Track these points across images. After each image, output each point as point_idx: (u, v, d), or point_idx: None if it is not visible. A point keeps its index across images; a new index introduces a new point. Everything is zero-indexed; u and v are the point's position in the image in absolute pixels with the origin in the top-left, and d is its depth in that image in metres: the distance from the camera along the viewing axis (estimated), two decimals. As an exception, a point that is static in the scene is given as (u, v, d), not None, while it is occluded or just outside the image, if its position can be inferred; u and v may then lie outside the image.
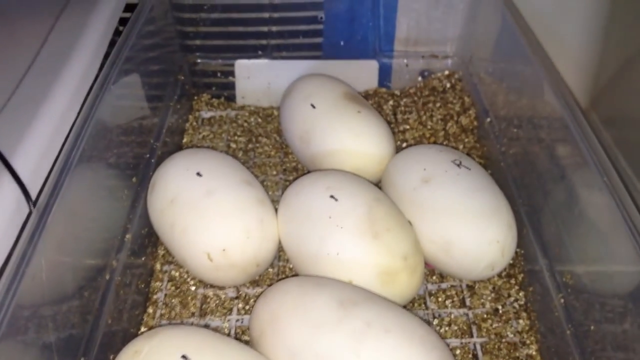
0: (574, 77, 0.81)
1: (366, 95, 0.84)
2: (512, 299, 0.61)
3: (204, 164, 0.62)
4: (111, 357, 0.52)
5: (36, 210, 0.47)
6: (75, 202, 0.52)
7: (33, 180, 0.50)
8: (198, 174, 0.60)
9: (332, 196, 0.58)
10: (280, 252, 0.64)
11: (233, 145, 0.78)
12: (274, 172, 0.74)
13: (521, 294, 0.61)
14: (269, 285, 0.61)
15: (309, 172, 0.73)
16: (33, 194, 0.49)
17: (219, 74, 0.85)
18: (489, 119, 0.75)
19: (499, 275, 0.62)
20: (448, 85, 0.84)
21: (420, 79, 0.86)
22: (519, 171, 0.67)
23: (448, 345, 0.57)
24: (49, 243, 0.47)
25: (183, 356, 0.46)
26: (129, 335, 0.57)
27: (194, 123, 0.81)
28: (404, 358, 0.46)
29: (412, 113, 0.80)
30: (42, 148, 0.53)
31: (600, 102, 0.79)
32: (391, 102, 0.82)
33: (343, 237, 0.56)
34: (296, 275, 0.62)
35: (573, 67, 0.81)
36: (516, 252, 0.62)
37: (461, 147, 0.76)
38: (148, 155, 0.68)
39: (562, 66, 0.76)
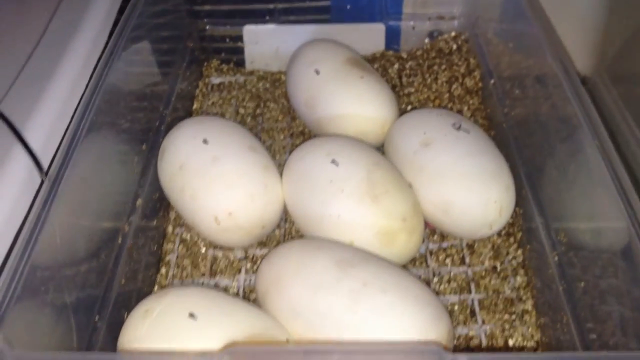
0: (583, 36, 0.81)
1: (373, 59, 0.85)
2: (510, 256, 0.62)
3: (211, 132, 0.64)
4: (125, 315, 0.55)
5: (47, 180, 0.50)
6: (87, 170, 0.55)
7: (44, 151, 0.53)
8: (204, 141, 0.62)
9: (333, 161, 0.60)
10: (286, 215, 0.66)
11: (242, 111, 0.80)
12: (281, 137, 0.76)
13: (519, 251, 0.63)
14: (276, 246, 0.64)
15: (314, 136, 0.75)
16: (44, 164, 0.52)
17: (227, 40, 0.87)
18: (493, 81, 0.76)
19: (499, 234, 0.64)
20: (454, 46, 0.84)
21: (427, 40, 0.87)
22: (520, 133, 0.68)
23: (446, 301, 0.59)
24: (62, 210, 0.49)
25: (190, 314, 0.48)
26: (142, 294, 0.60)
27: (204, 89, 0.83)
28: (398, 315, 0.49)
29: (417, 76, 0.81)
30: (52, 118, 0.56)
31: (609, 60, 0.80)
32: (397, 65, 0.83)
33: (343, 200, 0.58)
34: (301, 236, 0.64)
35: (582, 26, 0.81)
36: (515, 211, 0.64)
37: (465, 108, 0.77)
38: (158, 123, 0.70)
39: (571, 26, 0.77)
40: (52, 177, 0.50)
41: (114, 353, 0.38)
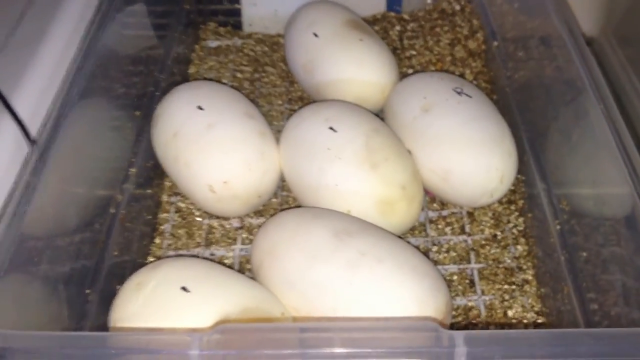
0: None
1: (373, 20, 0.83)
2: (511, 225, 0.61)
3: (206, 98, 0.62)
4: (118, 287, 0.54)
5: (36, 149, 0.48)
6: (78, 138, 0.53)
7: (33, 119, 0.51)
8: (199, 107, 0.61)
9: (331, 127, 0.58)
10: (283, 183, 0.65)
11: (239, 75, 0.78)
12: (280, 102, 0.75)
13: (520, 219, 0.62)
14: (273, 215, 0.63)
15: (313, 101, 0.73)
16: (33, 133, 0.50)
17: (224, 1, 0.84)
18: (496, 43, 0.74)
19: (500, 202, 0.63)
20: (457, 7, 0.82)
21: (429, 1, 0.84)
22: (523, 97, 0.67)
23: (445, 271, 0.58)
24: (51, 179, 0.48)
25: (183, 287, 0.48)
26: (137, 265, 0.59)
27: (200, 53, 0.81)
28: (395, 286, 0.48)
29: (418, 38, 0.79)
30: (41, 85, 0.54)
31: (616, 21, 0.78)
32: (398, 27, 0.81)
33: (341, 168, 0.56)
34: (299, 206, 0.63)
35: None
36: (517, 178, 0.62)
37: (468, 72, 0.75)
38: (152, 88, 0.69)
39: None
40: (40, 146, 0.49)
41: (102, 333, 0.37)
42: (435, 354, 0.36)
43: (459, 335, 0.36)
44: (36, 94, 0.54)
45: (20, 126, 0.50)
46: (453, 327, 0.54)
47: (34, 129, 0.51)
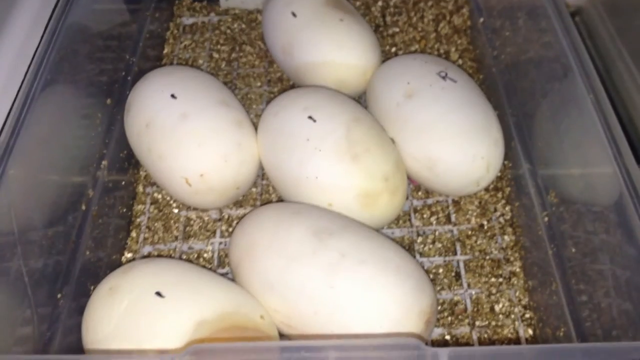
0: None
1: (355, -5, 0.79)
2: (498, 213, 0.60)
3: (179, 85, 0.59)
4: (92, 287, 0.52)
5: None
6: (42, 133, 0.51)
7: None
8: (172, 96, 0.58)
9: (310, 117, 0.56)
10: (263, 171, 0.62)
11: (216, 55, 0.75)
12: (258, 84, 0.72)
13: (507, 208, 0.60)
14: (252, 206, 0.61)
15: (293, 84, 0.70)
16: (-5, 127, 0.48)
17: (200, -26, 0.81)
18: (482, 19, 0.71)
19: (486, 189, 0.61)
20: (442, -20, 0.79)
21: (413, -27, 0.81)
22: (510, 77, 0.64)
23: (431, 263, 0.56)
24: (16, 176, 0.46)
25: (157, 293, 0.46)
26: (112, 262, 0.57)
27: (175, 31, 0.78)
28: (377, 288, 0.46)
29: (402, 14, 0.76)
30: (1, 81, 0.51)
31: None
32: (380, 3, 0.77)
33: (321, 160, 0.54)
34: (279, 197, 0.61)
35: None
36: (504, 165, 0.61)
37: (453, 49, 0.73)
38: (124, 73, 0.66)
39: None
40: (3, 144, 0.47)
41: (72, 356, 0.35)
42: (419, 373, 0.35)
43: (443, 352, 0.34)
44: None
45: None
46: (439, 323, 0.53)
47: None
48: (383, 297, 0.46)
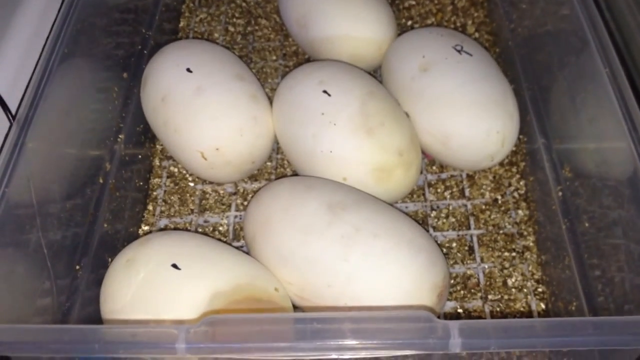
0: None
1: (371, -33, 0.79)
2: (512, 188, 0.59)
3: (195, 59, 0.60)
4: (110, 260, 0.53)
5: (16, 123, 0.46)
6: (60, 107, 0.51)
7: (11, 92, 0.49)
8: (188, 69, 0.58)
9: (325, 91, 0.56)
10: (278, 145, 0.63)
11: (231, 29, 0.75)
12: (274, 58, 0.72)
13: (522, 182, 0.60)
14: (267, 180, 0.61)
15: (308, 58, 0.70)
16: (12, 107, 0.48)
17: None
18: (499, -9, 0.71)
19: (501, 164, 0.61)
20: (460, -49, 0.78)
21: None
22: (527, 50, 0.64)
23: (444, 237, 0.57)
24: (35, 151, 0.47)
25: (174, 265, 0.46)
26: (129, 235, 0.58)
27: (191, 4, 0.78)
28: (391, 262, 0.47)
29: (418, -13, 0.75)
30: (19, 55, 0.52)
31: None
32: (396, -25, 0.77)
33: (336, 134, 0.54)
34: (294, 171, 0.61)
35: None
36: (519, 139, 0.60)
37: (470, 22, 0.72)
38: (140, 47, 0.66)
39: None
40: (20, 120, 0.47)
41: (88, 326, 0.36)
42: (430, 346, 0.35)
43: (454, 325, 0.35)
44: (13, 66, 0.52)
45: (-1, 100, 0.48)
46: (451, 297, 0.53)
47: (13, 103, 0.49)
48: (396, 270, 0.46)
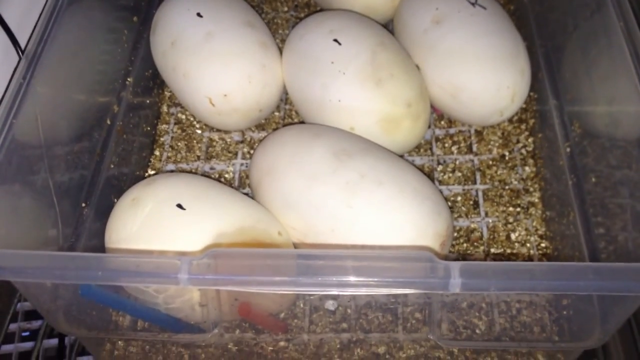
0: None
1: None
2: (520, 145, 0.59)
3: (206, 4, 0.59)
4: (115, 201, 0.53)
5: (25, 58, 0.46)
6: (69, 46, 0.51)
7: (21, 27, 0.49)
8: (198, 14, 0.58)
9: (335, 40, 0.55)
10: (286, 96, 0.63)
11: (243, -22, 0.74)
12: (285, 9, 0.71)
13: (530, 140, 0.60)
14: (275, 129, 0.61)
15: (320, 10, 0.70)
16: (22, 41, 0.48)
17: None
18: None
19: (510, 120, 0.61)
20: None
21: None
22: (541, 8, 0.63)
23: (449, 191, 0.57)
24: (42, 89, 0.46)
25: (178, 205, 0.47)
26: (136, 178, 0.58)
27: (203, -48, 0.77)
28: (395, 209, 0.47)
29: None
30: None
31: None
32: None
33: (345, 83, 0.54)
34: (302, 120, 0.61)
35: None
36: (530, 96, 0.60)
37: (485, -22, 0.71)
38: (151, -9, 0.66)
39: None
40: (29, 55, 0.47)
41: (92, 255, 0.36)
42: (430, 285, 0.35)
43: (455, 265, 0.35)
44: (24, 1, 0.51)
45: (9, 35, 0.48)
46: (453, 249, 0.53)
47: (22, 38, 0.49)
48: (399, 218, 0.47)
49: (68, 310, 0.44)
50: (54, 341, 0.58)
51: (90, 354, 0.57)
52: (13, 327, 0.60)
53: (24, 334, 0.60)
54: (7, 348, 0.59)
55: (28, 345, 0.59)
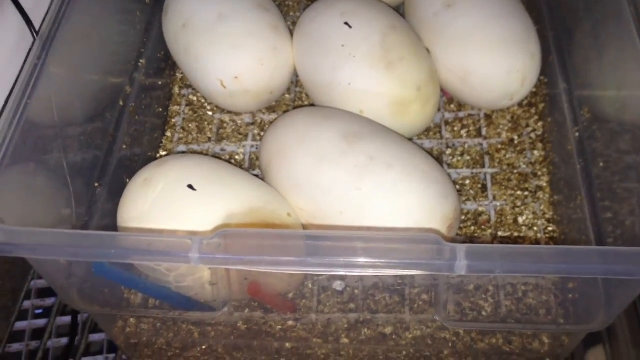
0: None
1: None
2: (529, 129, 0.59)
3: (217, -14, 0.59)
4: (127, 180, 0.54)
5: (39, 39, 0.47)
6: (83, 27, 0.52)
7: (36, 8, 0.49)
8: (210, -4, 0.58)
9: (346, 23, 0.55)
10: (297, 79, 0.63)
11: (255, -40, 0.74)
12: (297, -9, 0.71)
13: (539, 124, 0.60)
14: (285, 112, 0.62)
15: (331, -9, 0.70)
16: (36, 23, 0.49)
17: None
18: None
19: (520, 104, 0.61)
20: None
21: None
22: (554, -8, 0.63)
23: (458, 175, 0.57)
24: (56, 69, 0.47)
25: (189, 185, 0.47)
26: (147, 159, 0.59)
27: None
28: (403, 192, 0.47)
29: None
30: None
31: None
32: None
33: (355, 66, 0.54)
34: (312, 103, 0.61)
35: None
36: (540, 80, 0.60)
37: (497, -37, 0.71)
38: (164, -27, 0.66)
39: None
40: (44, 36, 0.48)
41: (105, 233, 0.37)
42: (436, 267, 0.36)
43: (461, 248, 0.35)
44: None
45: (24, 16, 0.49)
46: (461, 232, 0.54)
47: (37, 20, 0.49)
48: (407, 200, 0.47)
49: (81, 288, 0.45)
50: (67, 318, 0.59)
51: (102, 331, 0.58)
52: (27, 304, 0.61)
53: (37, 311, 0.61)
54: (21, 325, 0.60)
55: (41, 322, 0.60)
